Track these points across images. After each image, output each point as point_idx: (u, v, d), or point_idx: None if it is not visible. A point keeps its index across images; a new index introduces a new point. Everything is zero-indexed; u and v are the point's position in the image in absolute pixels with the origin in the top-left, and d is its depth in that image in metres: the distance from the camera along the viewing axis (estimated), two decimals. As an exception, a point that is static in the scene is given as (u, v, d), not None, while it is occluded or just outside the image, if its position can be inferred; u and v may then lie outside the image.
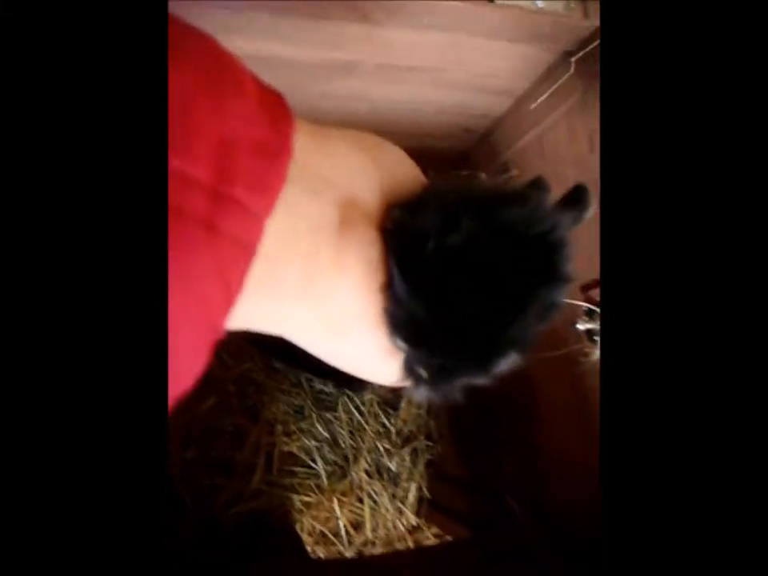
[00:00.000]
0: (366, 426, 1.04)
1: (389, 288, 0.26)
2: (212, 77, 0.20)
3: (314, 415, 1.02)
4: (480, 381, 0.30)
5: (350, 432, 1.04)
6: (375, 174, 0.28)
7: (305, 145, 0.24)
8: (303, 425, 1.02)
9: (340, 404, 1.04)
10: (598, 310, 0.62)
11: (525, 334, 0.28)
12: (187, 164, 0.18)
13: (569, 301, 0.63)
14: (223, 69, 0.21)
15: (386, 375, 0.30)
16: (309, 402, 1.03)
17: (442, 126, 0.85)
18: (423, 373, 0.28)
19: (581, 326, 0.62)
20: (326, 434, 1.02)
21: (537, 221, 0.27)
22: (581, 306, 0.64)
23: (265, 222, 0.21)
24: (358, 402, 1.05)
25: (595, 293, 0.65)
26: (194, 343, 0.19)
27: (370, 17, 0.60)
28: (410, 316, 0.26)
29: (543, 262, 0.27)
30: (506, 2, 0.61)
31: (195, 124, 0.18)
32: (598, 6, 0.65)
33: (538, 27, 0.64)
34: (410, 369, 0.29)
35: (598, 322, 0.61)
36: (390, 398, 1.08)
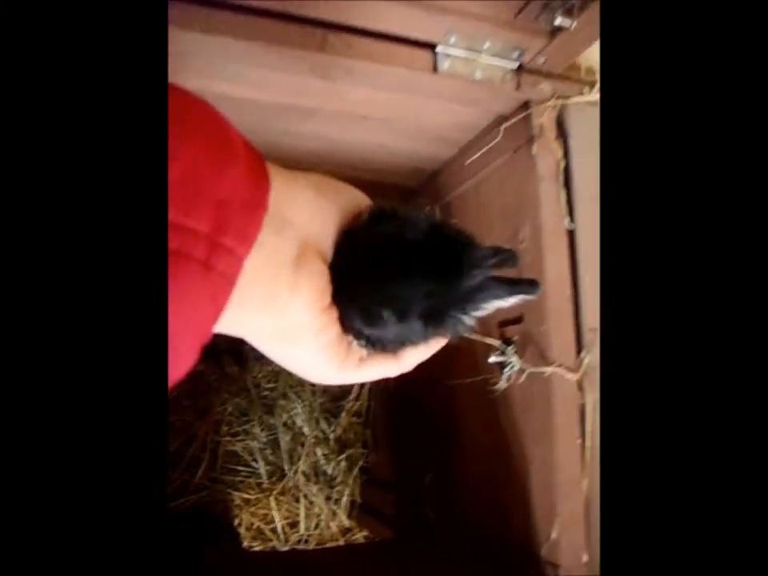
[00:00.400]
0: (307, 432, 1.12)
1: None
2: (215, 150, 0.27)
3: (259, 418, 1.10)
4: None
5: (291, 436, 1.12)
6: (330, 215, 0.35)
7: (276, 194, 0.31)
8: (248, 427, 1.09)
9: (284, 410, 1.12)
10: (508, 346, 0.71)
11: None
12: (194, 221, 0.25)
13: (486, 339, 0.72)
14: (224, 142, 0.28)
15: (326, 376, 0.38)
16: (255, 405, 1.10)
17: (393, 166, 0.94)
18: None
19: (493, 359, 0.71)
20: (268, 437, 1.10)
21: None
22: (496, 341, 0.73)
23: (244, 260, 0.28)
24: (300, 409, 1.13)
25: (509, 329, 0.74)
26: (192, 343, 0.27)
27: (330, 74, 0.68)
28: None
29: (447, 271, 0.35)
30: (448, 71, 0.70)
31: (202, 191, 0.26)
32: (531, 79, 0.74)
33: (475, 94, 0.73)
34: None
35: (509, 357, 0.71)
36: (332, 408, 1.16)
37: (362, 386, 1.14)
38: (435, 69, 0.70)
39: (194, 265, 0.25)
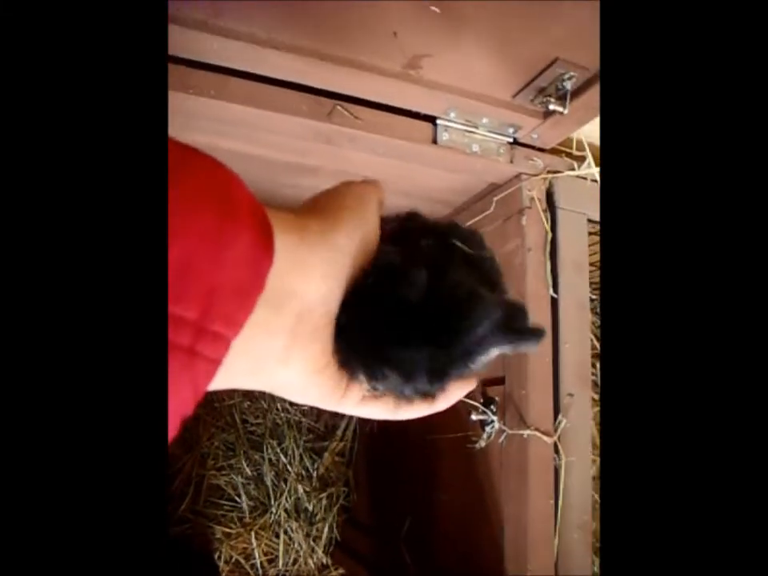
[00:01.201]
0: (290, 469, 1.15)
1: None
2: (216, 227, 0.25)
3: (244, 453, 1.12)
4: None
5: (275, 473, 1.14)
6: (343, 266, 0.32)
7: (282, 263, 0.28)
8: (233, 461, 1.11)
9: (269, 446, 1.14)
10: (490, 405, 0.75)
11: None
12: (181, 309, 0.24)
13: (467, 400, 0.76)
14: (227, 213, 0.26)
15: (327, 403, 0.36)
16: (242, 440, 1.13)
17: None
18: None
19: (475, 417, 0.75)
20: (252, 472, 1.12)
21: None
22: (478, 401, 0.77)
23: (232, 341, 0.26)
24: (285, 445, 1.15)
25: (492, 389, 0.78)
26: (172, 421, 0.26)
27: (334, 141, 0.73)
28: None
29: (446, 334, 0.34)
30: (447, 143, 0.75)
31: (195, 278, 0.24)
32: (524, 153, 0.79)
33: (470, 165, 0.77)
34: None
35: (490, 416, 0.74)
36: (316, 447, 1.18)
37: (347, 427, 1.17)
38: (435, 140, 0.74)
39: (178, 352, 0.24)
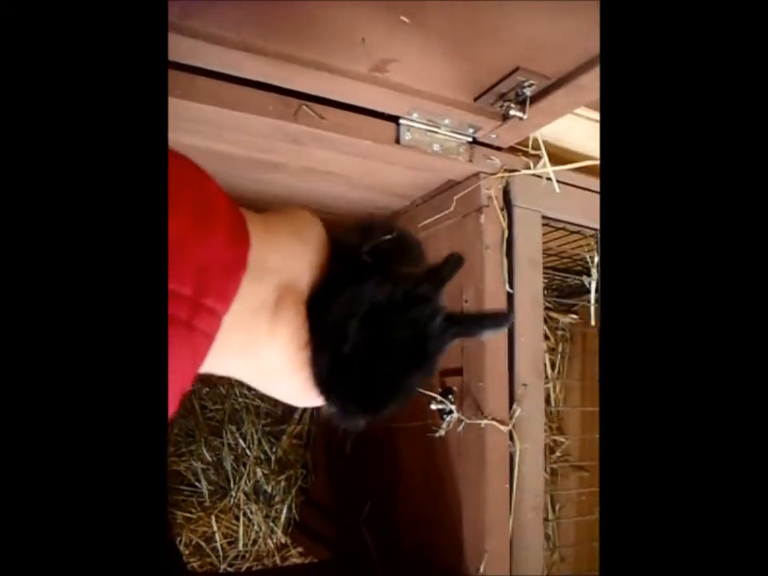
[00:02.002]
0: (249, 453, 1.17)
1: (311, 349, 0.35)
2: (200, 216, 0.29)
3: (204, 439, 1.13)
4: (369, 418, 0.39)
5: (234, 457, 1.16)
6: (305, 254, 0.36)
7: (256, 246, 0.32)
8: (193, 447, 1.12)
9: (228, 431, 1.16)
10: (448, 395, 0.78)
11: (400, 393, 0.38)
12: (178, 286, 0.27)
13: (426, 392, 0.79)
14: (207, 206, 0.30)
15: (301, 401, 0.39)
16: (200, 426, 1.14)
17: (349, 211, 1.00)
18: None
19: (434, 406, 0.78)
20: (212, 458, 1.14)
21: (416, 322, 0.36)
22: (437, 390, 0.80)
23: (223, 316, 0.30)
24: (244, 430, 1.17)
25: (451, 380, 0.81)
26: (174, 393, 0.28)
27: (300, 140, 0.74)
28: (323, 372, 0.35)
29: (418, 356, 0.37)
30: (409, 143, 0.77)
31: (186, 257, 0.28)
32: (483, 152, 0.82)
33: (431, 164, 0.79)
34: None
35: (448, 406, 0.78)
36: (274, 431, 1.21)
37: (304, 410, 1.20)
38: (398, 140, 0.76)
39: (178, 325, 0.27)
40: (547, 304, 1.15)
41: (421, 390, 0.79)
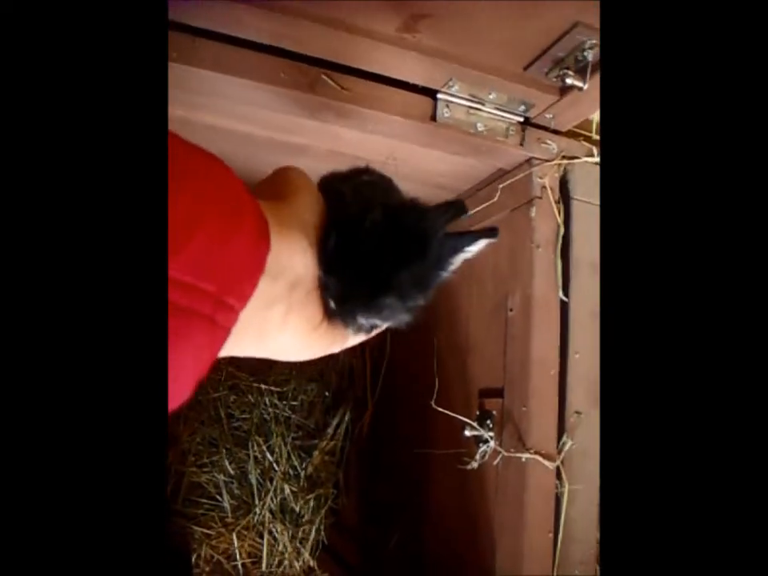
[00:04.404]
0: (277, 467, 1.07)
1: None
2: (227, 217, 0.31)
3: (228, 450, 1.05)
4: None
5: (261, 471, 1.07)
6: (308, 242, 0.36)
7: (274, 247, 0.33)
8: (216, 458, 1.04)
9: (254, 443, 1.07)
10: (486, 420, 0.66)
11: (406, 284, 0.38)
12: (205, 284, 0.29)
13: (459, 417, 0.67)
14: (235, 208, 0.31)
15: (305, 356, 0.41)
16: (225, 436, 1.06)
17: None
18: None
19: (468, 433, 0.66)
20: (236, 470, 1.05)
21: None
22: (474, 414, 0.68)
23: (240, 313, 0.32)
24: (272, 443, 1.08)
25: (490, 402, 0.69)
26: (191, 381, 0.30)
27: (320, 116, 0.64)
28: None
29: (419, 246, 0.38)
30: (448, 121, 0.66)
31: (214, 258, 0.30)
32: (536, 135, 0.69)
33: (474, 146, 0.68)
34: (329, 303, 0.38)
35: (485, 433, 0.66)
36: (305, 445, 1.11)
37: (338, 425, 1.10)
38: (434, 117, 0.65)
39: (202, 320, 0.29)
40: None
41: (454, 415, 0.68)
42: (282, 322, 0.36)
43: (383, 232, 0.37)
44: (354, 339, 0.42)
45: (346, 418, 1.09)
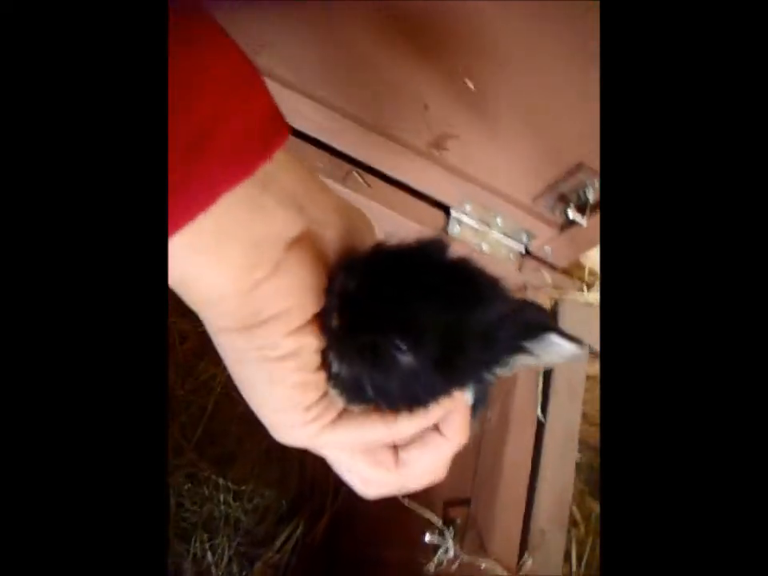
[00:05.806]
0: (214, 570, 1.01)
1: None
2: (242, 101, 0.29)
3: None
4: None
5: (196, 571, 1.00)
6: (339, 231, 0.33)
7: (287, 170, 0.31)
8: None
9: (198, 539, 1.02)
10: (448, 528, 0.65)
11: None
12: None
13: (426, 513, 0.67)
14: (250, 94, 0.29)
15: (290, 423, 0.33)
16: (169, 525, 1.01)
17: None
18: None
19: (429, 539, 0.65)
20: (170, 564, 0.99)
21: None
22: (437, 519, 0.67)
23: (255, 170, 0.28)
24: (216, 543, 1.02)
25: (454, 510, 0.68)
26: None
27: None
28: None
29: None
30: (457, 236, 0.72)
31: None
32: (533, 264, 0.75)
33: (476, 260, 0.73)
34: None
35: (446, 540, 0.64)
36: (249, 552, 1.05)
37: (288, 538, 1.04)
38: (446, 230, 0.71)
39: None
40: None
41: (422, 510, 0.67)
42: (275, 264, 0.30)
43: (443, 263, 0.34)
44: (334, 413, 0.34)
45: (297, 532, 1.04)
